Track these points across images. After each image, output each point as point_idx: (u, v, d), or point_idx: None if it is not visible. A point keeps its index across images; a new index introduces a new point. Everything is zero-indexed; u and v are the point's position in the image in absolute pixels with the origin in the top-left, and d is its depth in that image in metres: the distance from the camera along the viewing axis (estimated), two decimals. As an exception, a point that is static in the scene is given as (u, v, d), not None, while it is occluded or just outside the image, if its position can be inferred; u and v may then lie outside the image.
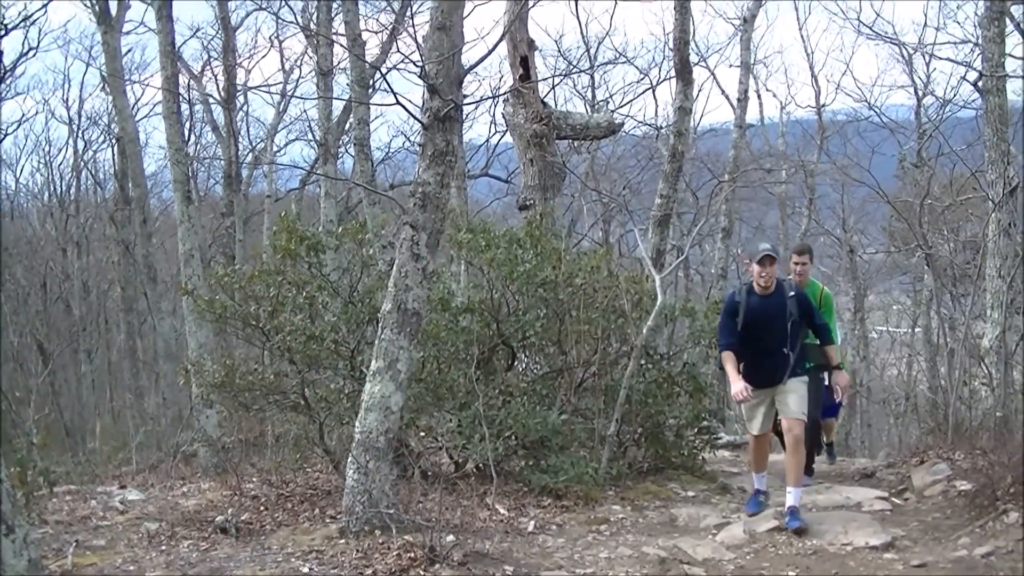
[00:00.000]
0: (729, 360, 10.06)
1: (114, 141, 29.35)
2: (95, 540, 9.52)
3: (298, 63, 34.70)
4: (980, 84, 19.53)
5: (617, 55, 33.87)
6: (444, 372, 11.84)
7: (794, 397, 10.06)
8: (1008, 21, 19.86)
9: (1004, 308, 16.32)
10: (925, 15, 51.11)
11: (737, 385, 9.78)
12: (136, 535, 9.61)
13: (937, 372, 28.68)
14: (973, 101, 29.06)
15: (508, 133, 18.78)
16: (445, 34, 9.12)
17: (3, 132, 30.78)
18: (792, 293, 10.30)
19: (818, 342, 10.79)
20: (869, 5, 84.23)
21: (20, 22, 21.88)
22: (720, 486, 12.26)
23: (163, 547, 9.15)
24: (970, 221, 28.90)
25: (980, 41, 21.62)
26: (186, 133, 29.76)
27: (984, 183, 19.38)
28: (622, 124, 21.53)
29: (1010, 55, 21.92)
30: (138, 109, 32.98)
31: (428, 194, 9.12)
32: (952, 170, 30.42)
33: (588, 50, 32.31)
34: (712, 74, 39.27)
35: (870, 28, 34.18)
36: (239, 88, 31.41)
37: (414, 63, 10.66)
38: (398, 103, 10.47)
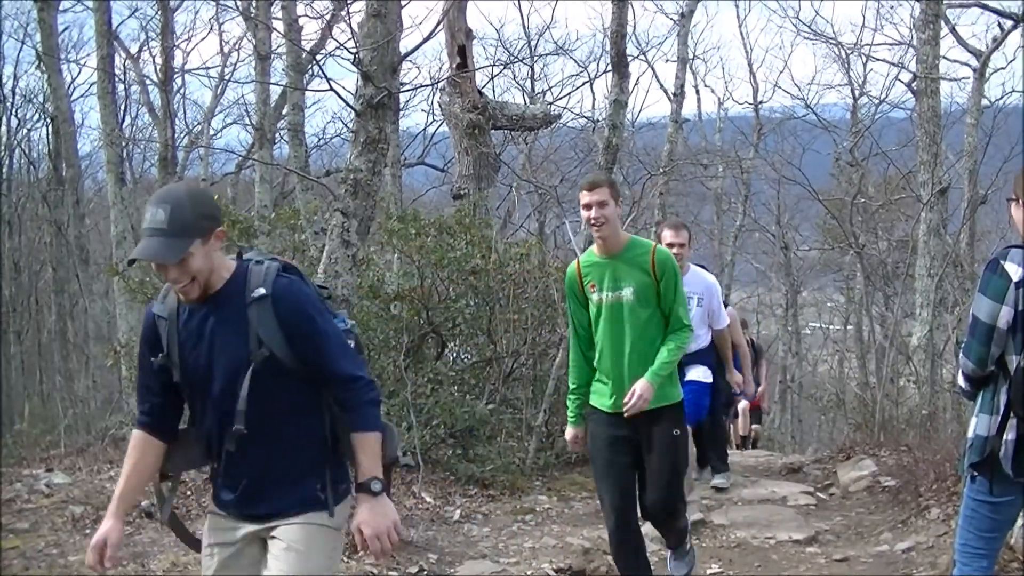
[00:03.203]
0: None
1: (48, 120, 28.99)
2: (19, 523, 9.41)
3: (236, 46, 34.34)
4: (914, 85, 19.76)
5: (557, 47, 33.93)
6: (373, 360, 11.81)
7: None
8: (943, 24, 20.05)
9: (933, 307, 16.50)
10: (863, 16, 51.56)
11: None
12: (61, 519, 9.52)
13: (866, 369, 28.97)
14: (906, 102, 29.39)
15: (444, 122, 18.76)
16: (380, 21, 9.09)
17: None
18: None
19: None
20: (808, 4, 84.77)
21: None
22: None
23: (88, 531, 9.06)
24: (902, 221, 29.18)
25: (915, 43, 21.88)
26: (122, 114, 29.49)
27: (915, 183, 19.59)
28: (558, 116, 21.55)
29: (944, 57, 22.19)
30: (74, 88, 32.59)
31: (359, 181, 9.09)
32: (886, 170, 30.71)
33: (529, 41, 32.32)
34: (651, 68, 39.42)
35: (808, 27, 34.43)
36: (176, 70, 31.10)
37: (348, 50, 10.62)
38: (332, 90, 10.45)
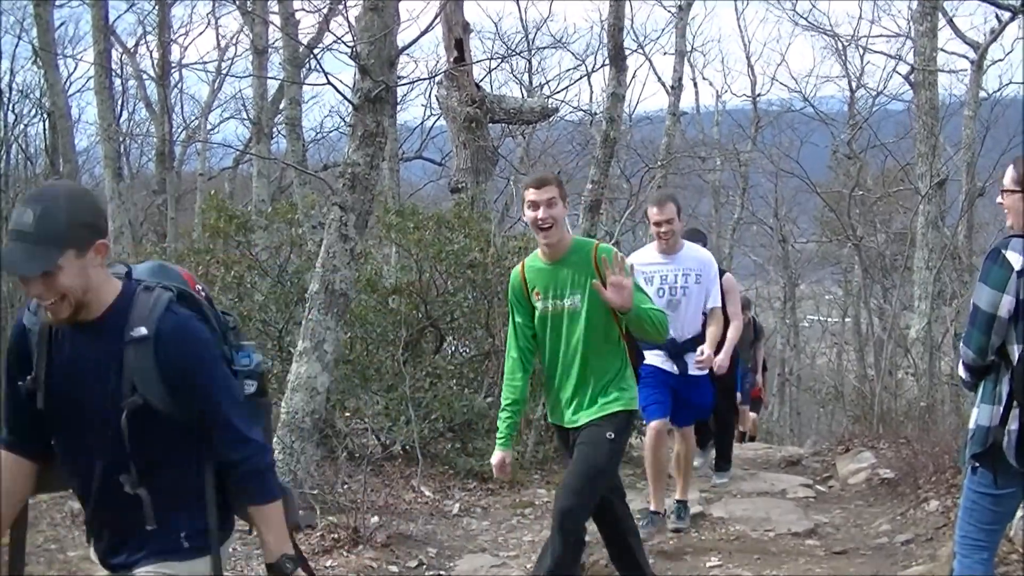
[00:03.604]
0: None
1: (45, 116, 28.95)
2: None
3: (234, 41, 34.44)
4: (912, 78, 19.74)
5: (555, 40, 33.91)
6: (372, 354, 11.81)
7: None
8: (940, 16, 20.04)
9: (931, 299, 16.50)
10: (860, 8, 51.53)
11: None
12: (59, 514, 9.51)
13: (865, 362, 28.98)
14: (904, 94, 29.39)
15: (442, 116, 18.74)
16: (377, 15, 9.07)
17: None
18: None
19: None
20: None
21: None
22: (645, 472, 12.30)
23: (85, 526, 9.07)
24: (900, 213, 29.19)
25: (912, 35, 21.87)
26: (119, 109, 29.47)
27: (914, 176, 19.59)
28: (556, 109, 21.55)
29: (942, 50, 22.19)
30: (71, 83, 32.49)
31: (357, 175, 9.07)
32: (884, 162, 30.70)
33: (526, 35, 32.32)
34: (649, 61, 39.44)
35: (806, 20, 34.46)
36: (174, 65, 31.14)
37: (346, 44, 10.60)
38: (329, 83, 10.44)
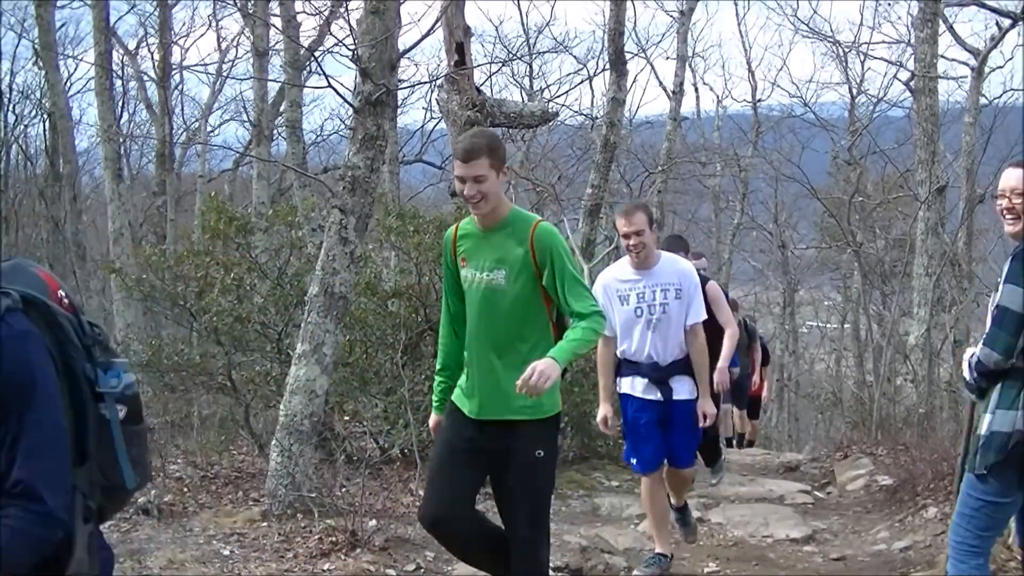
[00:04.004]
0: None
1: (46, 116, 29.00)
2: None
3: (235, 43, 34.46)
4: (912, 84, 19.76)
5: (556, 44, 33.97)
6: (371, 357, 11.80)
7: None
8: (941, 23, 20.06)
9: (930, 306, 16.50)
10: (861, 14, 51.67)
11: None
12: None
13: (864, 368, 28.99)
14: (904, 100, 29.41)
15: (443, 119, 18.75)
16: (379, 18, 9.08)
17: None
18: None
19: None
20: (807, 2, 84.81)
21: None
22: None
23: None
24: (900, 219, 29.21)
25: (913, 42, 21.89)
26: (120, 110, 29.49)
27: (913, 182, 19.61)
28: (556, 113, 21.48)
29: (942, 56, 22.20)
30: (71, 84, 32.55)
31: (357, 178, 9.08)
32: (884, 168, 30.74)
33: (527, 38, 32.34)
34: (650, 65, 39.34)
35: (807, 25, 34.46)
36: (174, 66, 31.16)
37: (347, 47, 10.61)
38: (330, 86, 10.45)
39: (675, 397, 7.84)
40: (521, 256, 5.47)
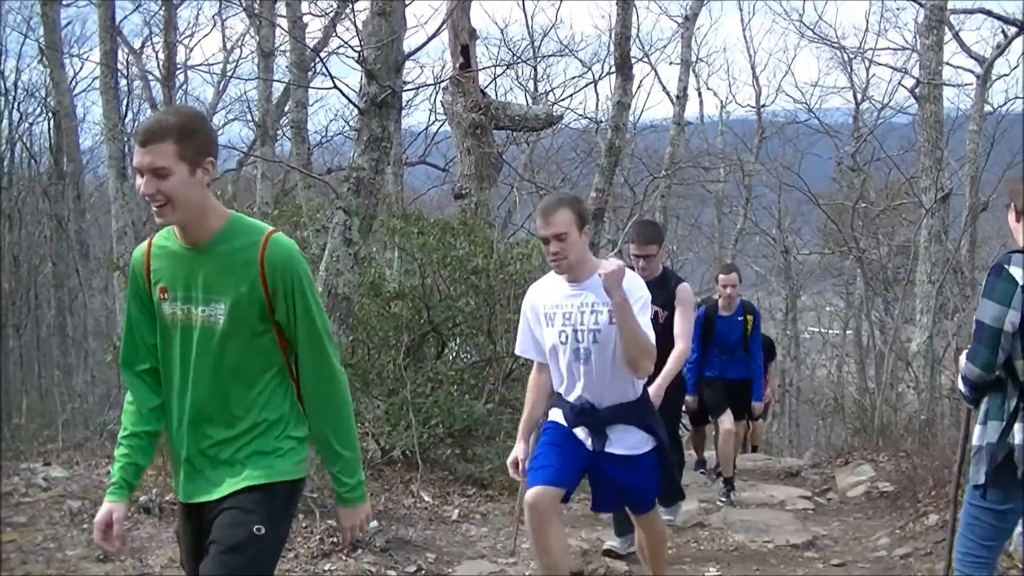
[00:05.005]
0: None
1: (50, 115, 29.01)
2: (16, 517, 9.40)
3: (240, 43, 34.39)
4: (917, 91, 19.75)
5: (562, 47, 33.94)
6: (373, 358, 11.81)
7: None
8: (947, 30, 20.06)
9: (933, 313, 16.49)
10: (867, 20, 51.74)
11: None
12: (58, 513, 9.50)
13: (865, 374, 28.98)
14: (909, 107, 29.38)
15: (447, 121, 18.77)
16: (385, 20, 9.09)
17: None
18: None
19: None
20: (812, 7, 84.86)
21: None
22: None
23: (85, 525, 9.05)
24: (903, 226, 29.20)
25: (918, 49, 21.88)
26: (124, 109, 29.48)
27: (917, 189, 19.60)
28: (561, 117, 21.58)
29: (947, 63, 22.21)
30: (76, 83, 32.55)
31: (362, 179, 9.08)
32: (888, 175, 30.72)
33: (532, 41, 32.33)
34: (654, 70, 39.44)
35: (812, 31, 34.40)
36: (179, 66, 31.19)
37: (353, 48, 10.62)
38: (335, 87, 10.46)
39: (608, 450, 6.02)
40: (249, 281, 3.97)
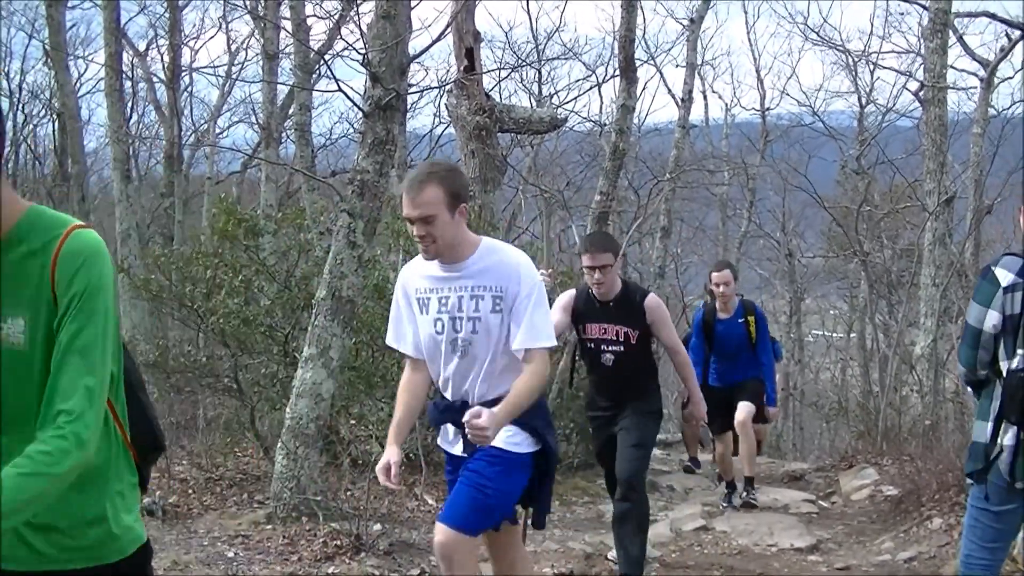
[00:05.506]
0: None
1: (55, 116, 29.02)
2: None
3: (244, 45, 34.42)
4: (921, 94, 19.74)
5: (566, 50, 33.94)
6: (377, 360, 11.80)
7: None
8: (951, 33, 20.06)
9: (937, 316, 16.47)
10: (871, 23, 51.21)
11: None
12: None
13: (869, 377, 28.94)
14: (913, 111, 29.39)
15: (451, 124, 18.77)
16: (389, 23, 9.09)
17: (-60, 102, 30.39)
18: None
19: None
20: (817, 11, 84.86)
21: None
22: (648, 484, 12.30)
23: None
24: (907, 229, 29.17)
25: (923, 52, 21.87)
26: (129, 111, 29.50)
27: (921, 192, 19.59)
28: (565, 119, 21.54)
29: (952, 67, 22.18)
30: (81, 85, 32.55)
31: (366, 182, 9.09)
32: (892, 178, 30.70)
33: (537, 44, 32.33)
34: (660, 73, 39.29)
35: (816, 34, 34.34)
36: (184, 68, 31.20)
37: (357, 51, 10.63)
38: (340, 90, 10.46)
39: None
40: (43, 288, 2.88)
